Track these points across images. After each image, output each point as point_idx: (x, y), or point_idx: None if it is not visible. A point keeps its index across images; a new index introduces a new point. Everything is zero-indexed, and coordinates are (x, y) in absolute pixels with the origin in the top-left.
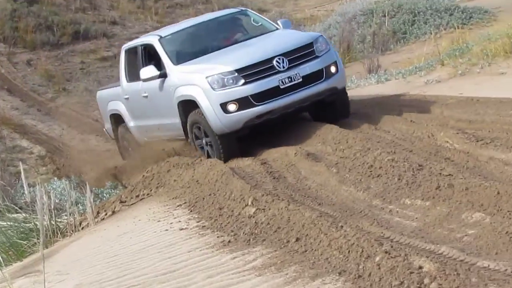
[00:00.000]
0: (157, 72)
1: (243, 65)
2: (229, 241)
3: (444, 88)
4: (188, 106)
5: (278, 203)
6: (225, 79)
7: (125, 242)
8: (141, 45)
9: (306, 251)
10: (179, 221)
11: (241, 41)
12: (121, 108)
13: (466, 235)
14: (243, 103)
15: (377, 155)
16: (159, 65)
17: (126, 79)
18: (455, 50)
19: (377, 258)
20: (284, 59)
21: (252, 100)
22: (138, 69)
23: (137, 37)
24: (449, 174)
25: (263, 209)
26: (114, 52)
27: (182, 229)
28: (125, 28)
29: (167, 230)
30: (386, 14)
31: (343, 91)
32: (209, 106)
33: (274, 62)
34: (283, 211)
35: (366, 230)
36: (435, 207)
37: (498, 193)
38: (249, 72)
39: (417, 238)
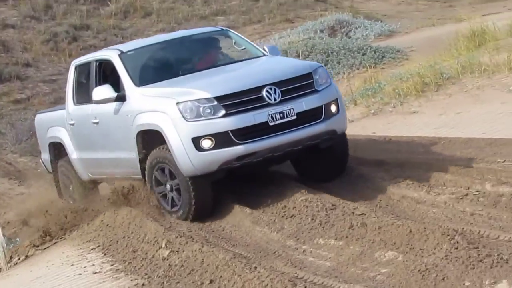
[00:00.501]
0: (114, 94)
1: (225, 92)
2: (143, 284)
3: (357, 127)
4: (150, 139)
5: (192, 245)
6: (201, 108)
7: (38, 287)
8: (96, 61)
9: None
10: (93, 265)
11: (220, 65)
12: (63, 136)
13: (379, 273)
14: (221, 139)
15: (291, 195)
16: (117, 85)
17: (74, 101)
18: (368, 89)
19: None
20: (277, 89)
21: (232, 137)
22: (90, 90)
23: (51, 80)
24: (362, 213)
25: (177, 251)
26: (28, 95)
27: (95, 272)
28: (39, 70)
29: (80, 274)
30: (300, 54)
31: (342, 137)
32: (178, 139)
33: (264, 93)
34: (197, 253)
35: (280, 270)
36: (349, 246)
37: (410, 231)
38: (232, 102)
39: (330, 278)
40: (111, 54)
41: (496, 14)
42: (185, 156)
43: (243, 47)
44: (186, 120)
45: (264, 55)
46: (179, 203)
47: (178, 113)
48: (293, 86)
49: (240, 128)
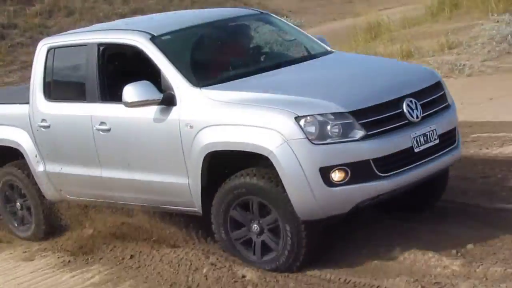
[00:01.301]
0: (159, 95)
1: (364, 106)
2: (68, 261)
3: None
4: (224, 162)
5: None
6: (331, 126)
7: None
8: (100, 45)
9: (139, 267)
10: (21, 245)
11: (289, 63)
12: (22, 140)
13: None
14: (359, 170)
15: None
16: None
17: (46, 96)
18: None
19: (204, 270)
20: (417, 103)
21: (374, 167)
22: (87, 83)
23: None
24: None
25: (100, 230)
26: None
27: (24, 252)
28: None
29: (11, 253)
30: None
31: None
32: (296, 169)
33: (405, 107)
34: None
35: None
36: None
37: None
38: (373, 119)
39: None
40: (136, 38)
41: (390, 9)
42: (307, 192)
43: (292, 38)
44: (312, 143)
45: (327, 50)
46: (279, 248)
47: (298, 132)
48: (430, 99)
49: (385, 156)
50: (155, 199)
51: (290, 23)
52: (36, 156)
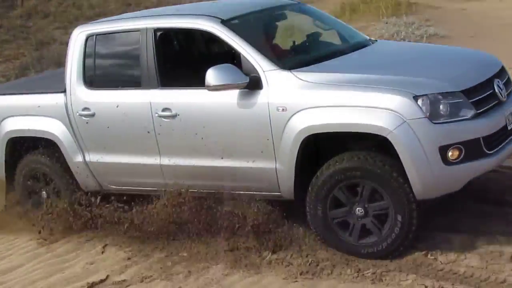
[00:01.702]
0: (245, 78)
1: (473, 84)
2: None
3: None
4: (322, 145)
5: None
6: (446, 105)
7: None
8: (156, 30)
9: None
10: None
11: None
12: (58, 131)
13: None
14: (471, 148)
15: None
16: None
17: (86, 83)
18: None
19: None
20: (501, 83)
21: (483, 145)
22: (142, 69)
23: None
24: None
25: None
26: None
27: None
28: None
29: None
30: None
31: None
32: (417, 148)
33: (495, 87)
34: None
35: None
36: None
37: None
38: (477, 98)
39: None
40: (207, 23)
41: None
42: (427, 171)
43: (329, 28)
44: (431, 122)
45: (370, 39)
46: (382, 234)
47: (418, 111)
48: (506, 79)
49: (492, 134)
50: (230, 185)
51: (329, 15)
52: (74, 146)
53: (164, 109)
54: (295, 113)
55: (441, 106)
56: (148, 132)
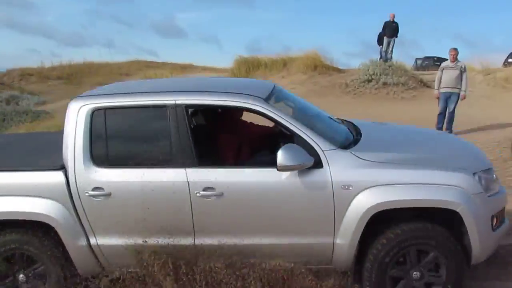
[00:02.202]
0: (311, 159)
1: (487, 167)
2: None
3: None
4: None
5: None
6: (488, 180)
7: None
8: (188, 106)
9: None
10: None
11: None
12: (55, 212)
13: None
14: (500, 216)
15: None
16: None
17: (96, 162)
18: None
19: None
20: None
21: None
22: (171, 147)
23: None
24: None
25: None
26: None
27: None
28: None
29: None
30: None
31: None
32: (481, 219)
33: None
34: None
35: None
36: None
37: None
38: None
39: None
40: (251, 101)
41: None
42: (486, 238)
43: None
44: (486, 195)
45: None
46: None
47: (478, 187)
48: None
49: (504, 207)
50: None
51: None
52: (75, 228)
53: (206, 188)
54: (361, 191)
55: (486, 181)
56: (183, 211)
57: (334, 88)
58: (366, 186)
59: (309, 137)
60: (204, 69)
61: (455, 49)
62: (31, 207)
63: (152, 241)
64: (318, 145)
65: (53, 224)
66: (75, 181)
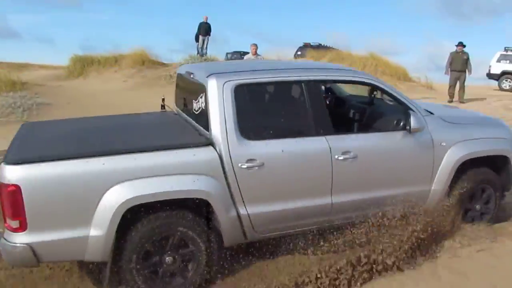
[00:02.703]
0: (424, 122)
1: None
2: None
3: None
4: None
5: None
6: None
7: None
8: (323, 81)
9: None
10: None
11: None
12: (212, 188)
13: None
14: None
15: None
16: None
17: (246, 135)
18: None
19: None
20: None
21: None
22: (302, 119)
23: None
24: None
25: None
26: None
27: None
28: None
29: None
30: None
31: None
32: None
33: None
34: None
35: None
36: None
37: None
38: None
39: None
40: (368, 77)
41: None
42: None
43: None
44: None
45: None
46: None
47: None
48: None
49: None
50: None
51: None
52: (228, 201)
53: (344, 152)
54: (451, 146)
55: None
56: (325, 174)
57: (160, 80)
58: (454, 142)
59: (413, 105)
60: (41, 67)
61: (255, 45)
62: (189, 184)
63: (292, 205)
64: (419, 112)
65: (209, 199)
66: (229, 155)
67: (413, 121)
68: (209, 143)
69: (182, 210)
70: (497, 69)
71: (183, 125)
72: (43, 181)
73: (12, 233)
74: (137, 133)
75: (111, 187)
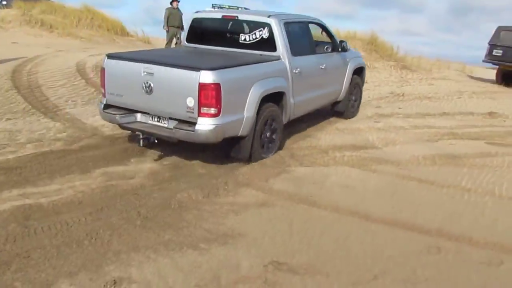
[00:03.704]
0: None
1: None
2: None
3: None
4: None
5: None
6: None
7: None
8: (309, 22)
9: None
10: None
11: None
12: (284, 85)
13: None
14: None
15: None
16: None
17: (291, 53)
18: None
19: None
20: None
21: None
22: (307, 43)
23: None
24: None
25: None
26: None
27: None
28: None
29: None
30: None
31: None
32: None
33: None
34: None
35: None
36: None
37: None
38: None
39: None
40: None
41: None
42: None
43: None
44: None
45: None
46: None
47: None
48: None
49: None
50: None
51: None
52: (289, 93)
53: (322, 65)
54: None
55: None
56: (319, 76)
57: None
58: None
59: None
60: None
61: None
62: (281, 82)
63: (308, 96)
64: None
65: (285, 91)
66: (289, 65)
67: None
68: (279, 58)
69: (273, 101)
70: None
71: (216, 52)
72: (229, 81)
73: (210, 118)
74: (212, 56)
75: (253, 84)
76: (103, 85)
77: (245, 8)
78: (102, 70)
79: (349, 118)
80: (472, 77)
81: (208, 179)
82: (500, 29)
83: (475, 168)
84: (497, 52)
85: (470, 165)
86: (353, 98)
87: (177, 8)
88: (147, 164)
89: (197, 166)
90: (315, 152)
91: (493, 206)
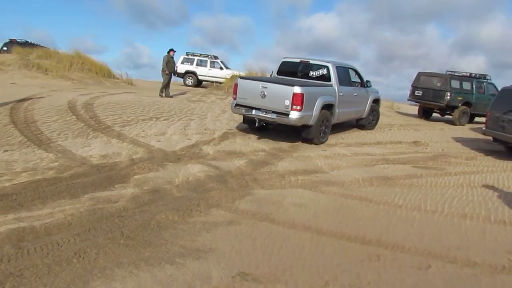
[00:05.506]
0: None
1: None
2: None
3: None
4: None
5: None
6: None
7: None
8: (349, 68)
9: None
10: None
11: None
12: (334, 100)
13: None
14: None
15: None
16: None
17: (338, 85)
18: None
19: None
20: None
21: None
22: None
23: None
24: None
25: None
26: None
27: None
28: None
29: None
30: None
31: None
32: None
33: None
34: None
35: None
36: None
37: None
38: None
39: None
40: (328, 64)
41: None
42: None
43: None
44: None
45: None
46: None
47: None
48: None
49: None
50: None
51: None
52: (336, 105)
53: (354, 93)
54: (371, 94)
55: None
56: (349, 99)
57: None
58: (371, 92)
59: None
60: None
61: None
62: (332, 98)
63: (344, 109)
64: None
65: (334, 104)
66: (337, 89)
67: (370, 84)
68: (332, 85)
69: (327, 108)
70: (182, 69)
71: (293, 80)
72: (308, 93)
73: (297, 112)
74: (297, 81)
75: (318, 97)
76: (235, 93)
77: (214, 56)
78: (235, 85)
79: (368, 130)
80: (399, 113)
81: (183, 202)
82: (420, 74)
83: (405, 187)
84: (418, 93)
85: (401, 185)
86: (371, 117)
87: (172, 56)
88: (129, 190)
89: (173, 190)
90: (274, 176)
91: (420, 219)
